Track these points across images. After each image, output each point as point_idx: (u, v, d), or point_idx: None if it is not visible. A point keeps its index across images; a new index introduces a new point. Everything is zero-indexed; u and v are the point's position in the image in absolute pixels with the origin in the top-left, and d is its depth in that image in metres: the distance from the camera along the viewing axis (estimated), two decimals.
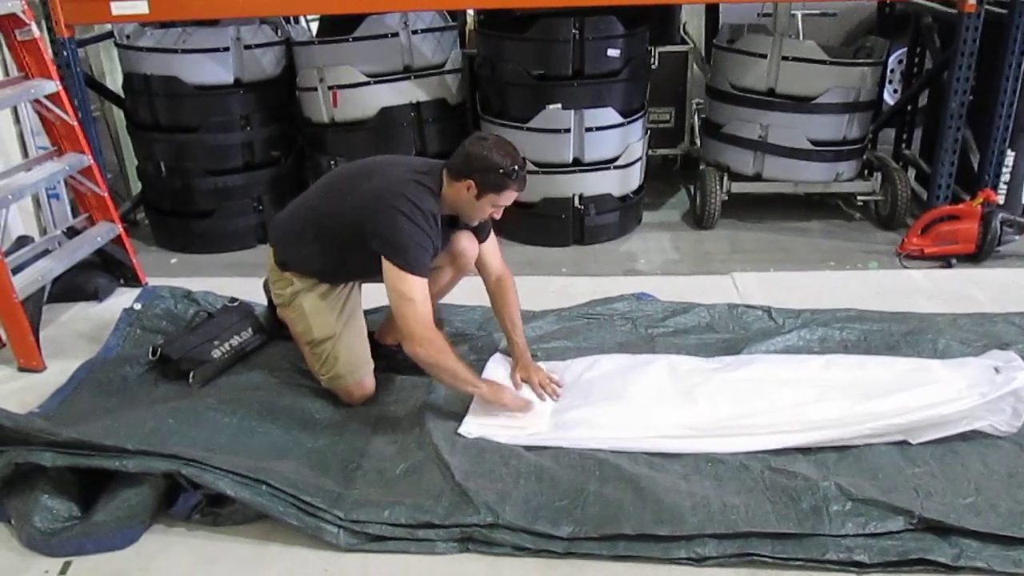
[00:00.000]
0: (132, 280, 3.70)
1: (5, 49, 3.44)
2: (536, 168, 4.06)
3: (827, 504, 2.18)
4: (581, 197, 4.11)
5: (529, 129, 4.01)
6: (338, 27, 4.14)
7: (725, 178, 4.34)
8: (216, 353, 2.90)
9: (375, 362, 2.78)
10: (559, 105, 3.94)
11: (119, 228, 3.63)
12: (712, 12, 5.23)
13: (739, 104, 4.30)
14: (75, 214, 3.78)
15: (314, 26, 4.94)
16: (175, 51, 3.93)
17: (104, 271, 3.67)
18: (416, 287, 2.45)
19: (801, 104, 4.14)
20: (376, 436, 2.57)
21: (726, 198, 4.33)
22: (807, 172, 4.27)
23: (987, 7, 3.84)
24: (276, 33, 4.20)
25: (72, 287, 3.54)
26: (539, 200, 4.13)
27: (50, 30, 3.82)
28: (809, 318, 3.19)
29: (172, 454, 2.25)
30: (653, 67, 4.53)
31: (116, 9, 3.73)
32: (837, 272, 3.83)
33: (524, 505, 2.21)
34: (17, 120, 3.89)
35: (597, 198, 4.13)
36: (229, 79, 4.00)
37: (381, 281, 2.51)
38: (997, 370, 2.52)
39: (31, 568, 2.13)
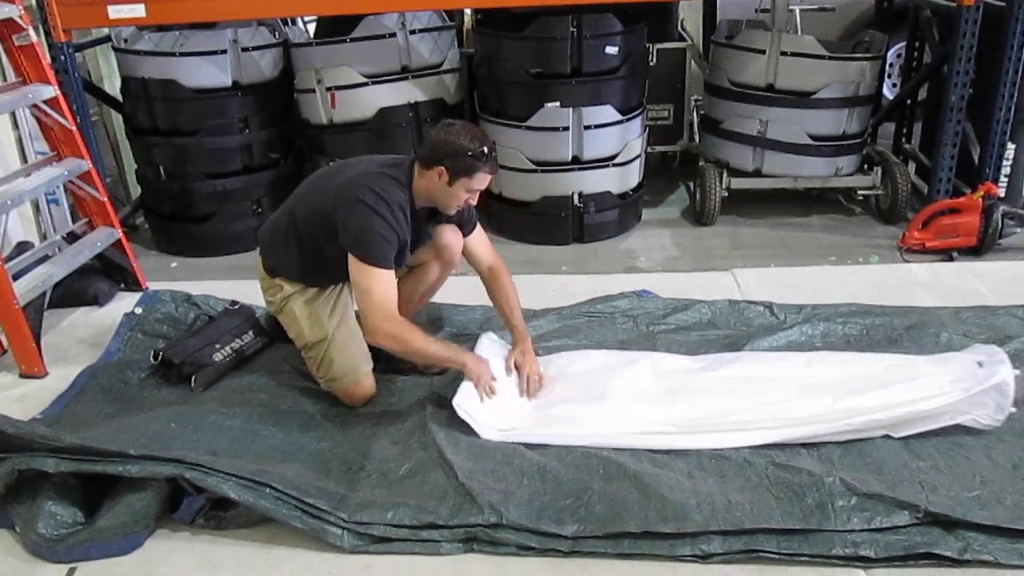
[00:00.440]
0: (132, 284, 3.70)
1: (3, 54, 3.44)
2: (535, 166, 4.06)
3: (832, 499, 2.18)
4: (580, 195, 4.10)
5: (528, 128, 4.01)
6: (335, 28, 4.14)
7: (725, 174, 4.33)
8: (218, 356, 2.90)
9: (376, 364, 2.78)
10: (557, 103, 3.94)
11: (119, 233, 3.63)
12: (710, 8, 5.22)
13: (738, 100, 4.29)
14: (75, 219, 3.77)
15: (311, 27, 4.94)
16: (173, 54, 3.93)
17: (104, 276, 3.67)
18: (375, 279, 2.45)
19: (800, 99, 4.13)
20: (378, 437, 2.56)
21: (726, 194, 4.33)
22: (807, 167, 4.27)
23: (986, 0, 3.83)
24: (273, 35, 4.19)
25: (72, 292, 3.54)
26: (538, 198, 4.13)
27: (47, 35, 3.81)
28: (811, 313, 3.19)
29: (175, 458, 2.24)
30: (651, 64, 4.54)
31: (113, 13, 3.72)
32: (838, 267, 3.83)
33: (528, 504, 2.21)
34: (16, 125, 3.89)
35: (596, 196, 4.13)
36: (227, 82, 3.99)
37: None
38: (980, 364, 2.52)
39: (35, 575, 2.13)
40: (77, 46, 4.06)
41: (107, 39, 4.31)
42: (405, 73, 4.07)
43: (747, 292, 3.50)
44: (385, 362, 2.86)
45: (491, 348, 2.80)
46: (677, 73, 4.77)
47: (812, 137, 4.18)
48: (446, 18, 4.31)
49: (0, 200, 3.12)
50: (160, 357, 2.88)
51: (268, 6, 3.95)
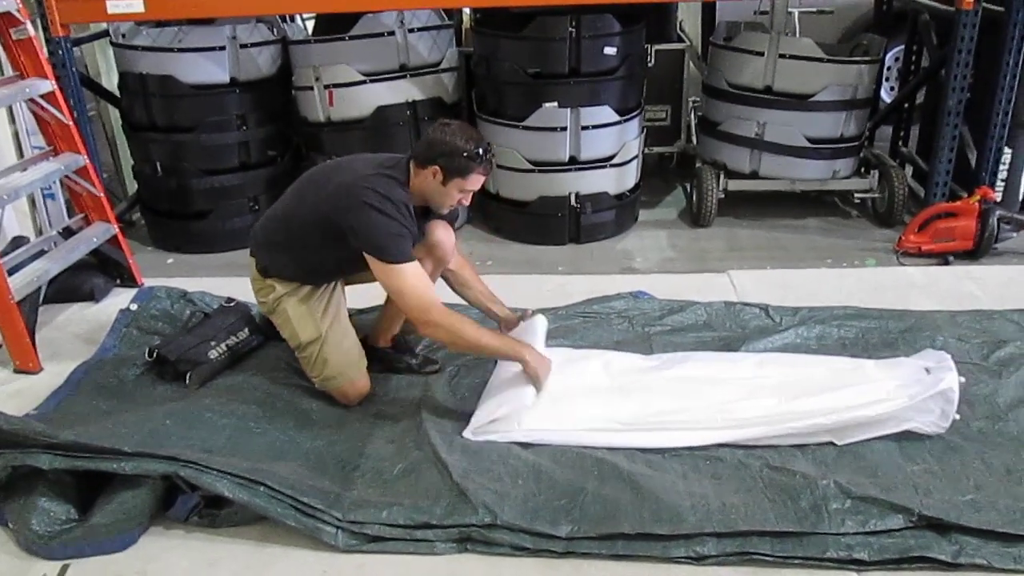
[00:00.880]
0: (128, 281, 3.69)
1: (0, 48, 3.43)
2: (532, 166, 4.06)
3: (826, 502, 2.18)
4: (577, 195, 4.10)
5: (525, 127, 4.01)
6: (334, 26, 4.13)
7: (722, 176, 4.34)
8: (213, 354, 2.89)
9: (371, 365, 2.78)
10: (555, 103, 3.94)
11: (115, 228, 3.62)
12: (709, 10, 5.22)
13: (736, 102, 4.30)
14: (71, 214, 3.76)
15: (310, 25, 4.93)
16: (171, 50, 3.92)
17: (100, 272, 3.66)
18: (402, 278, 2.46)
19: (798, 102, 4.14)
20: (374, 436, 2.56)
21: (723, 196, 4.33)
22: (804, 170, 4.27)
23: (984, 4, 3.83)
24: (272, 32, 4.19)
25: (68, 288, 3.52)
26: (535, 199, 4.13)
27: (45, 29, 3.81)
28: (807, 316, 3.19)
29: (170, 456, 2.24)
30: (649, 65, 4.54)
31: (112, 8, 3.71)
32: (834, 269, 3.83)
33: (523, 505, 2.21)
34: (12, 120, 3.88)
35: (593, 196, 4.13)
36: (225, 78, 3.98)
37: (361, 280, 2.54)
38: (928, 370, 2.53)
39: (29, 571, 2.12)
40: (75, 41, 4.05)
41: (105, 34, 4.30)
42: (403, 71, 4.07)
43: (743, 294, 3.51)
44: (380, 363, 2.87)
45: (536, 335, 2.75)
46: (675, 74, 4.78)
47: (809, 140, 4.19)
48: (445, 17, 4.30)
49: None
50: (155, 354, 2.88)
51: (267, 3, 3.95)
